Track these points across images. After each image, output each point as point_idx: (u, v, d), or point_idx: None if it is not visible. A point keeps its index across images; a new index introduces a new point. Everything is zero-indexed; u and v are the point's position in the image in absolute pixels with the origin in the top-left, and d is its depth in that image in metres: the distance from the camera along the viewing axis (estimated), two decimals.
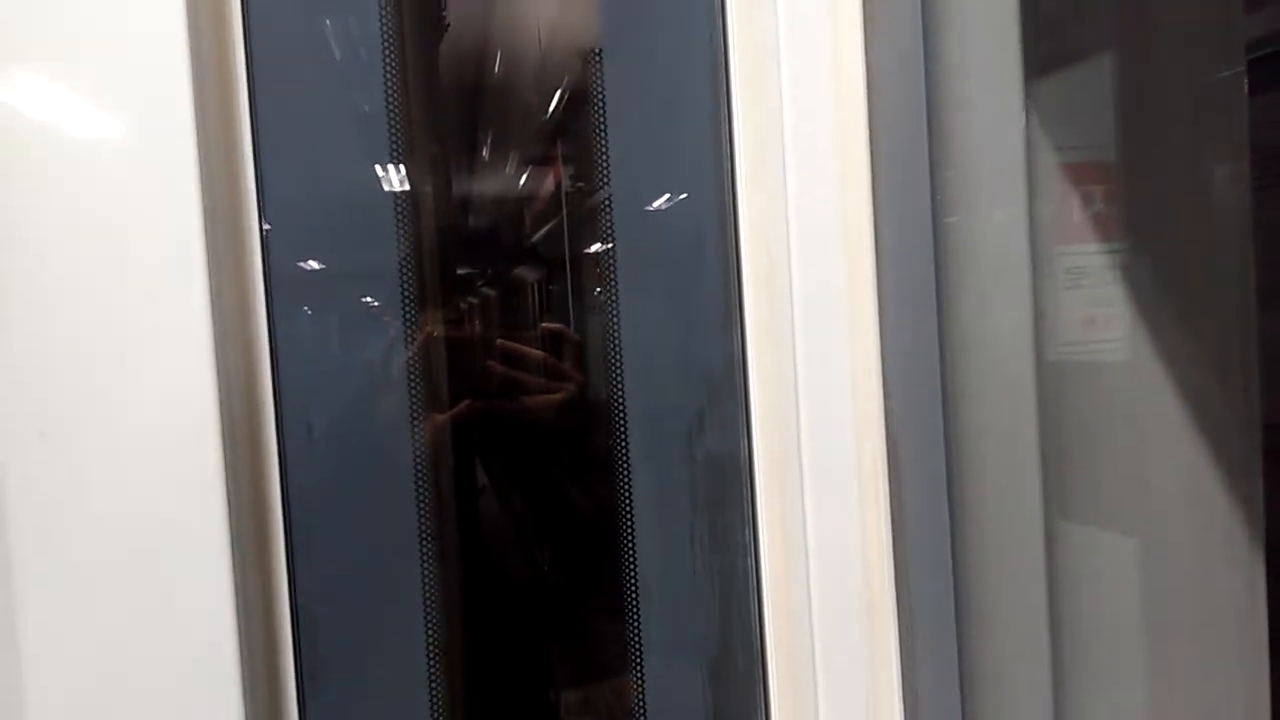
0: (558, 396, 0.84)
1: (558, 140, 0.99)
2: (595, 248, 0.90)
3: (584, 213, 0.89)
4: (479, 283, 0.98)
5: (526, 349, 0.88)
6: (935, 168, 0.60)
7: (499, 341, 0.90)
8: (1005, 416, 0.62)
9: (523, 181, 1.03)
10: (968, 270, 0.61)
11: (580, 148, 0.91)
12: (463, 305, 0.91)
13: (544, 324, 0.92)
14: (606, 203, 0.65)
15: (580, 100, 0.87)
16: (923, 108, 0.59)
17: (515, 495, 0.99)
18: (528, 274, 1.01)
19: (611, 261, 0.65)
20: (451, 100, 1.02)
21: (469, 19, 0.98)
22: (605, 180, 0.65)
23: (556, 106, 0.96)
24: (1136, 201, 0.70)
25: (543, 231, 1.01)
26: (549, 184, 1.01)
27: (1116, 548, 0.70)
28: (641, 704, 0.66)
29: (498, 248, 1.03)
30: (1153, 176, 0.70)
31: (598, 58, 0.65)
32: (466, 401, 0.88)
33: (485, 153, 1.08)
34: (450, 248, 0.90)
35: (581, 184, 0.92)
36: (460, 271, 0.96)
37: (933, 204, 0.60)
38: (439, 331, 0.79)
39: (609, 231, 0.65)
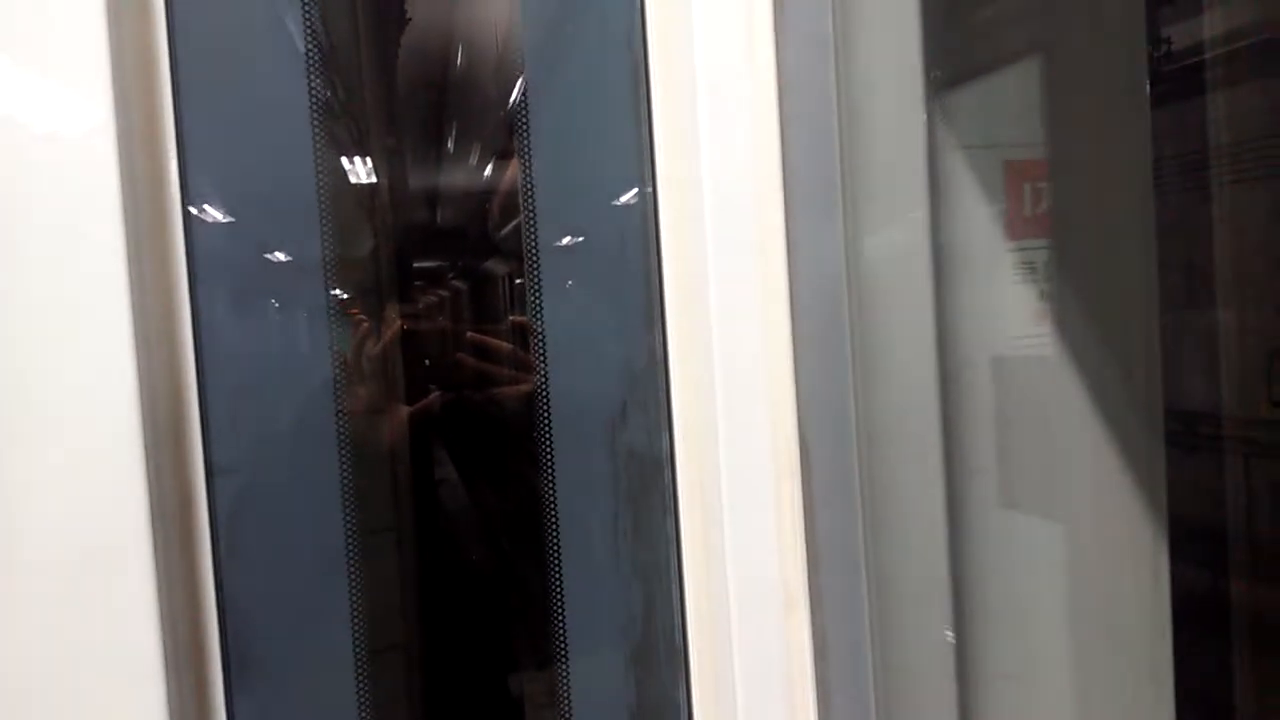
0: (524, 388, 0.86)
1: (515, 134, 1.00)
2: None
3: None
4: (442, 276, 0.99)
5: (495, 341, 0.89)
6: (845, 172, 0.62)
7: (469, 334, 0.91)
8: (911, 412, 0.64)
9: (483, 175, 1.04)
10: (876, 271, 0.63)
11: None
12: (416, 298, 0.92)
13: (513, 316, 0.93)
14: (530, 201, 0.66)
15: None
16: (833, 115, 0.61)
17: (473, 485, 1.00)
18: (495, 267, 1.02)
19: (535, 260, 0.67)
20: (411, 92, 1.03)
21: (430, 13, 0.99)
22: (529, 180, 0.66)
23: (515, 100, 0.97)
24: (1078, 200, 0.71)
25: (499, 225, 1.02)
26: (507, 178, 1.02)
27: (1058, 537, 0.72)
28: (566, 690, 0.68)
29: (450, 240, 1.05)
30: (1086, 177, 0.72)
31: (522, 61, 0.67)
32: (437, 393, 0.90)
33: (449, 145, 1.09)
34: (404, 239, 0.92)
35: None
36: (419, 264, 0.97)
37: (844, 207, 0.62)
38: (386, 324, 0.80)
39: (533, 230, 0.67)
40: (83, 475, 0.52)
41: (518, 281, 0.75)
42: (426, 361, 0.90)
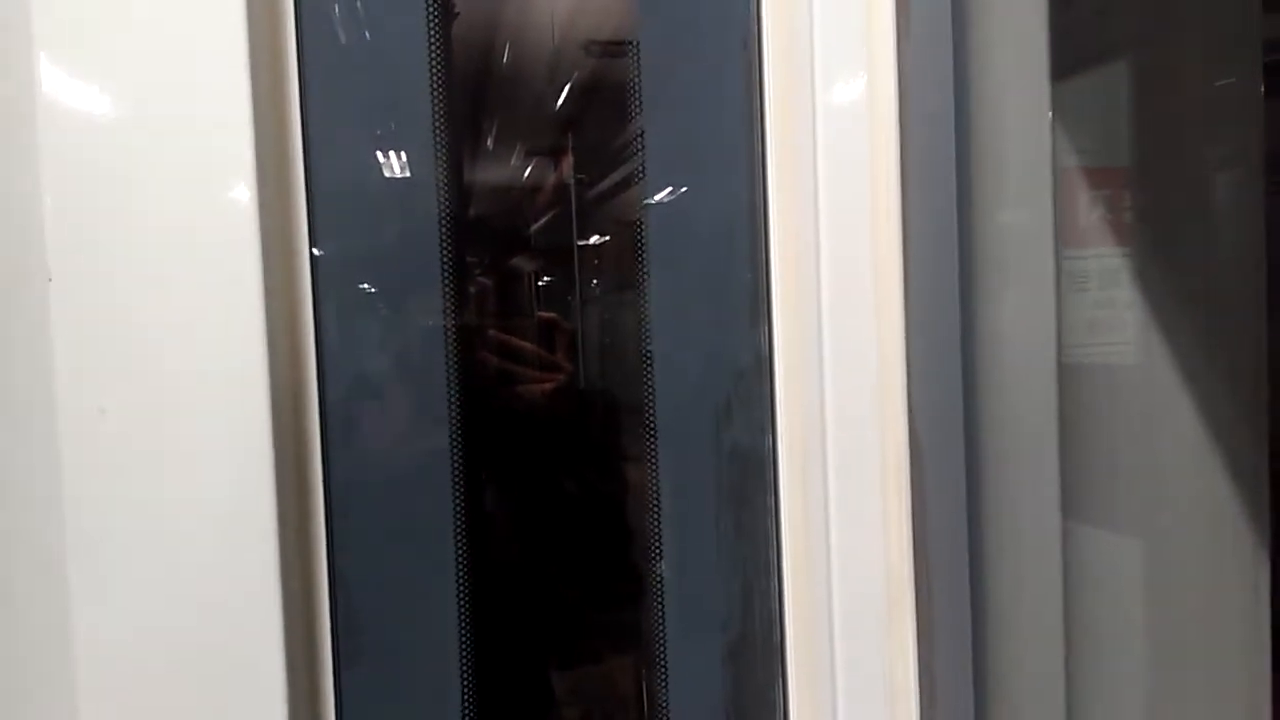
0: (548, 385, 0.85)
1: (569, 131, 0.99)
2: (595, 239, 0.91)
3: (591, 203, 0.90)
4: (478, 272, 0.99)
5: (518, 341, 0.89)
6: (962, 167, 0.61)
7: (491, 332, 0.90)
8: (1025, 415, 0.63)
9: (528, 172, 1.04)
10: (992, 269, 0.62)
11: (591, 139, 0.91)
12: (482, 293, 0.91)
13: (539, 313, 0.93)
14: (641, 195, 0.66)
15: (591, 92, 0.87)
16: (951, 107, 0.61)
17: (517, 484, 0.99)
18: (542, 265, 1.01)
19: (643, 253, 0.66)
20: (460, 88, 1.02)
21: (479, 6, 0.98)
22: (641, 173, 0.66)
23: (568, 98, 0.97)
24: (1147, 206, 0.71)
25: (548, 221, 1.02)
26: (558, 175, 1.01)
27: (1124, 548, 0.71)
28: (664, 687, 0.67)
29: (510, 237, 1.04)
30: (1164, 182, 0.72)
31: (635, 49, 0.66)
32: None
33: (490, 143, 1.08)
34: (471, 236, 0.91)
35: (583, 176, 0.93)
36: (472, 259, 0.97)
37: (959, 203, 0.61)
38: (467, 320, 0.79)
39: (641, 223, 0.66)
40: (213, 457, 0.52)
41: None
42: (480, 358, 0.90)
